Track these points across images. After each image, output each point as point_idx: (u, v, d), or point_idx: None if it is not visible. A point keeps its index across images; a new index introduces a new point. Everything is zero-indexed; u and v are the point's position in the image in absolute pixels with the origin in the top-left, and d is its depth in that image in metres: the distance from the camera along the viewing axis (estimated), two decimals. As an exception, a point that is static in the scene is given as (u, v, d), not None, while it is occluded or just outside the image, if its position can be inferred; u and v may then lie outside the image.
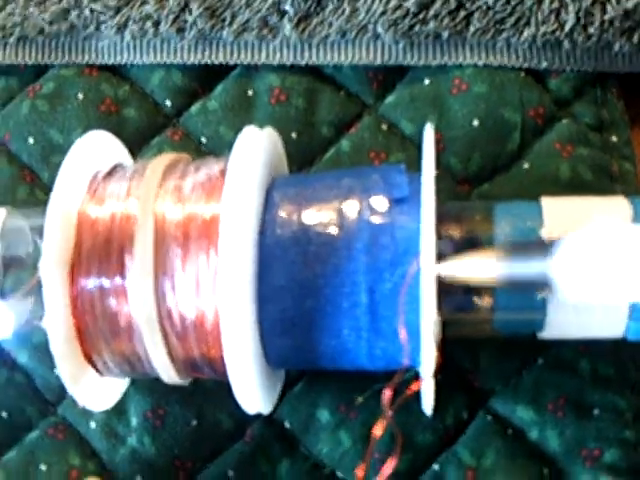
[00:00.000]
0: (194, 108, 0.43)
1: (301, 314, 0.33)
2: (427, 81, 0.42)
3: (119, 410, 0.39)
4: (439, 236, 0.34)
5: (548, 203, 0.34)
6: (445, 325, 0.34)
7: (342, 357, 0.34)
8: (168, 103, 0.43)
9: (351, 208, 0.33)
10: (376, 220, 0.33)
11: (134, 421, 0.39)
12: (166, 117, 0.43)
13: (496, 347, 0.38)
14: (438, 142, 0.41)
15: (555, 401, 0.37)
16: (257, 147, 0.34)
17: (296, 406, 0.39)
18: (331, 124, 0.42)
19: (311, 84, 0.42)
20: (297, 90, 0.42)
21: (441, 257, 0.32)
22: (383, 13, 0.41)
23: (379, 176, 0.34)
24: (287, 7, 0.42)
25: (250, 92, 0.42)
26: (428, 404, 0.33)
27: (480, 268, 0.31)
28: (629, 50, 0.41)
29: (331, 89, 0.42)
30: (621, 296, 0.29)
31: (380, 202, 0.33)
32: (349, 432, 0.38)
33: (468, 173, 0.40)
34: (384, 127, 0.42)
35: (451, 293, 0.34)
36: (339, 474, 0.38)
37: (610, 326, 0.34)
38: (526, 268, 0.31)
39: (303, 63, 0.42)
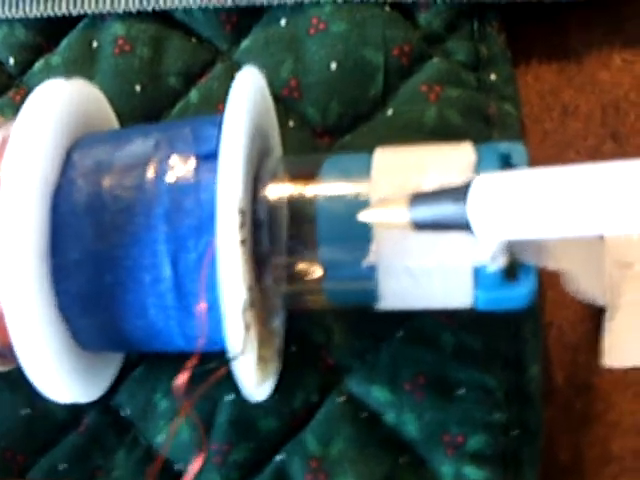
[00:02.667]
0: (37, 65, 0.39)
1: (100, 291, 0.29)
2: (283, 22, 0.37)
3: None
4: (259, 193, 0.29)
5: (381, 155, 0.29)
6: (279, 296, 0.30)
7: (154, 338, 0.30)
8: (11, 61, 0.39)
9: (152, 169, 0.29)
10: (179, 181, 0.28)
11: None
12: (10, 77, 0.39)
13: (353, 318, 0.33)
14: (294, 90, 0.36)
15: (413, 380, 0.32)
16: (50, 102, 0.29)
17: (135, 392, 0.35)
18: (179, 74, 0.37)
19: (159, 32, 0.38)
20: (142, 39, 0.38)
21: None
22: (230, -53, 0.36)
23: (189, 129, 0.30)
24: (128, -52, 0.37)
25: (95, 44, 0.38)
26: (247, 388, 0.29)
27: (392, 215, 0.27)
28: (507, -24, 0.35)
29: (181, 36, 0.38)
30: (536, 234, 0.25)
31: (185, 160, 0.28)
32: (189, 419, 0.34)
33: (327, 123, 0.36)
34: (236, 75, 0.37)
35: (273, 262, 0.29)
36: (176, 465, 0.34)
37: (454, 295, 0.29)
38: (440, 211, 0.26)
39: (150, 9, 0.38)
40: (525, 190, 0.25)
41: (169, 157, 0.28)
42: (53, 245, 0.29)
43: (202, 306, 0.27)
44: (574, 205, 0.24)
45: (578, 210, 0.24)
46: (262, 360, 0.30)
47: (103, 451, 0.35)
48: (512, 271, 0.28)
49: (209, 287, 0.27)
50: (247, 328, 0.27)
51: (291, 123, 0.36)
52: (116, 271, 0.28)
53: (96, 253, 0.28)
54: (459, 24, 0.36)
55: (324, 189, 0.29)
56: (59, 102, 0.30)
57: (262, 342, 0.30)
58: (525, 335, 0.33)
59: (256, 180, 0.30)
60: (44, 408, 0.35)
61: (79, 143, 0.30)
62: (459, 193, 0.25)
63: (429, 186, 0.27)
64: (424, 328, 0.33)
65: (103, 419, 0.35)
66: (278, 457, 0.33)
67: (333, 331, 0.34)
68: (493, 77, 0.35)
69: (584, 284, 0.31)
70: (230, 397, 0.33)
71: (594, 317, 0.34)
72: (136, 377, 0.35)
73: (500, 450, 0.32)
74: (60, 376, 0.30)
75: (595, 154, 0.36)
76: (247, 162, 0.28)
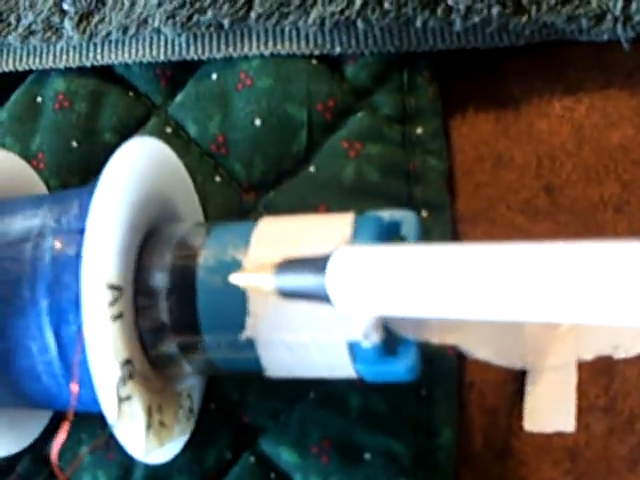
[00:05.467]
0: (-15, 120, 0.40)
1: None
2: (214, 76, 0.37)
3: None
4: (145, 264, 0.29)
5: (262, 226, 0.29)
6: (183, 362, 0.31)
7: (53, 401, 0.31)
8: (-36, 115, 0.41)
9: (38, 242, 0.29)
10: (60, 255, 0.29)
11: None
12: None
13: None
14: (221, 145, 0.36)
15: (319, 443, 0.32)
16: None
17: (63, 443, 0.35)
18: (115, 129, 0.38)
19: (98, 87, 0.38)
20: (81, 94, 0.38)
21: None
22: (159, 5, 0.37)
23: (77, 203, 0.30)
24: (67, 7, 0.38)
25: (39, 99, 0.39)
26: (135, 455, 0.29)
27: (260, 280, 0.27)
28: (436, 25, 0.34)
29: (119, 91, 0.38)
30: (396, 311, 0.25)
31: (67, 234, 0.29)
32: (106, 474, 0.34)
33: (252, 180, 0.36)
34: (169, 130, 0.37)
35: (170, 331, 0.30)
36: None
37: (336, 367, 0.28)
38: (301, 281, 0.26)
39: (88, 64, 0.38)
40: (382, 266, 0.24)
41: (54, 231, 0.29)
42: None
43: (74, 387, 0.27)
44: (435, 285, 0.23)
45: (438, 290, 0.23)
46: (160, 425, 0.30)
47: (33, 501, 0.35)
48: (391, 345, 0.27)
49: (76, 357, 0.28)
50: (128, 400, 0.28)
51: (218, 179, 0.36)
52: (7, 339, 0.29)
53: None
54: (388, 76, 0.35)
55: (205, 259, 0.29)
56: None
57: (159, 408, 0.30)
58: (438, 398, 0.32)
59: (148, 248, 0.30)
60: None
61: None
62: (320, 264, 0.25)
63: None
64: (334, 390, 0.32)
65: (35, 468, 0.36)
66: (189, 518, 0.33)
67: (248, 390, 0.34)
68: (419, 130, 0.35)
69: (486, 352, 0.30)
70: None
71: (516, 379, 0.33)
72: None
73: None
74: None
75: (527, 208, 0.35)
76: (123, 234, 0.28)
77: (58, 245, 0.29)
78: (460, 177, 0.36)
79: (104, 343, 0.27)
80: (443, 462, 0.32)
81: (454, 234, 0.34)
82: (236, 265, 0.28)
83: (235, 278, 0.27)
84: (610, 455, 0.32)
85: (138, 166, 0.29)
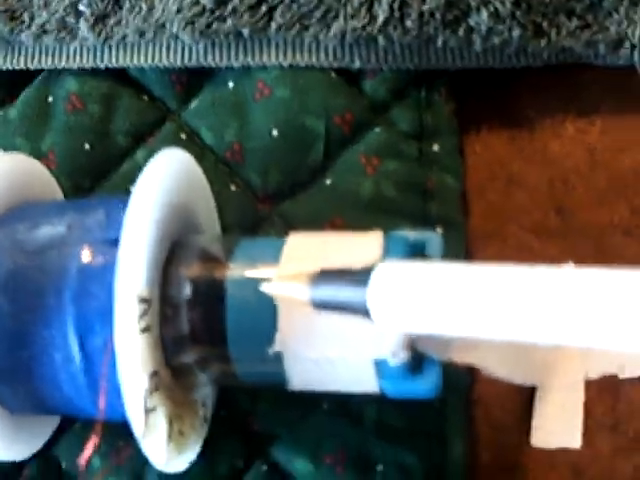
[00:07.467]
0: (-5, 117, 0.40)
1: (18, 365, 0.30)
2: (231, 84, 0.37)
3: None
4: (170, 276, 0.30)
5: (292, 241, 0.29)
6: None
7: (74, 409, 0.31)
8: (-27, 113, 0.40)
9: (64, 251, 0.29)
10: (87, 265, 0.29)
11: None
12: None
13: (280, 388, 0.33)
14: (237, 153, 0.36)
15: (334, 453, 0.32)
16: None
17: (72, 447, 0.36)
18: (128, 133, 0.38)
19: (111, 89, 0.38)
20: (94, 96, 0.38)
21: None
22: (178, 11, 0.36)
23: (103, 212, 0.30)
24: (82, 7, 0.38)
25: (50, 99, 0.39)
26: (157, 465, 0.30)
27: (294, 290, 0.27)
28: (456, 44, 0.35)
29: (132, 94, 0.38)
30: (438, 330, 0.25)
31: (94, 244, 0.29)
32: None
33: (268, 189, 0.36)
34: (183, 136, 0.37)
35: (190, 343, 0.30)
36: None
37: (361, 383, 0.29)
38: (339, 294, 0.26)
39: (102, 66, 0.38)
40: (426, 284, 0.25)
41: (80, 240, 0.29)
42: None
43: (101, 399, 0.28)
44: (478, 305, 0.24)
45: (482, 311, 0.24)
46: (179, 434, 0.30)
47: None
48: (416, 363, 0.28)
49: (115, 369, 0.28)
50: (153, 411, 0.28)
51: (233, 187, 0.36)
52: (31, 348, 0.29)
53: (12, 330, 0.29)
54: (406, 92, 0.36)
55: (234, 273, 0.29)
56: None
57: (179, 417, 0.30)
58: (449, 412, 0.33)
59: (173, 260, 0.30)
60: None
61: (4, 218, 0.31)
62: (360, 277, 0.25)
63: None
64: (347, 401, 0.33)
65: (44, 471, 0.36)
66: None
67: (260, 398, 0.34)
68: (436, 148, 0.35)
69: (503, 371, 0.31)
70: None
71: (525, 394, 0.33)
72: (75, 431, 0.36)
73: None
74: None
75: (538, 228, 0.35)
76: (153, 247, 0.28)
77: (85, 255, 0.29)
78: (473, 195, 0.36)
79: (134, 356, 0.27)
80: (454, 474, 0.32)
81: (466, 252, 0.35)
82: (266, 280, 0.28)
83: (268, 287, 0.27)
84: (614, 472, 0.33)
85: (168, 179, 0.29)
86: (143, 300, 0.27)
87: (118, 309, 0.26)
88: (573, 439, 0.33)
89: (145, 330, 0.27)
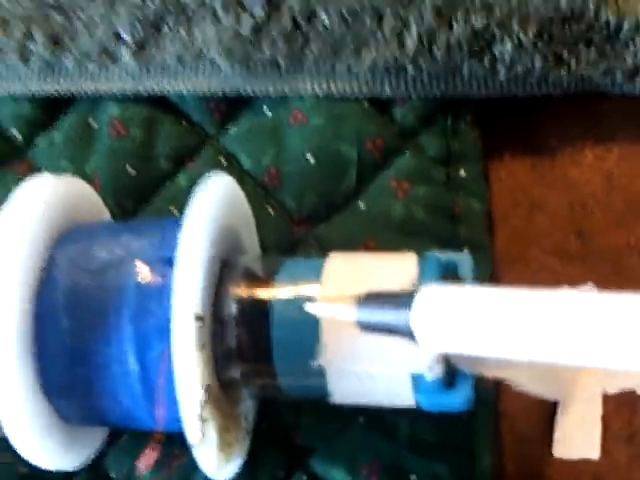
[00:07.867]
0: (41, 140, 0.42)
1: (77, 379, 0.32)
2: (268, 112, 0.39)
3: None
4: (220, 295, 0.31)
5: (332, 261, 0.31)
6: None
7: (131, 421, 0.33)
8: (17, 135, 0.42)
9: (121, 271, 0.31)
10: (145, 284, 0.31)
11: None
12: (16, 149, 0.42)
13: (320, 402, 0.35)
14: (274, 178, 0.38)
15: (370, 465, 0.34)
16: (31, 202, 0.32)
17: (120, 458, 0.37)
18: (169, 157, 0.40)
19: (152, 114, 0.40)
20: (136, 121, 0.40)
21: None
22: (218, 39, 0.38)
23: (160, 232, 0.32)
24: (125, 36, 0.40)
25: (94, 123, 0.41)
26: (209, 473, 0.31)
27: (340, 312, 0.29)
28: (481, 73, 0.37)
29: (172, 119, 0.40)
30: (478, 351, 0.27)
31: (152, 264, 0.31)
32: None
33: (303, 213, 0.38)
34: (223, 161, 0.39)
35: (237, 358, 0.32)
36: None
37: (398, 397, 0.31)
38: (384, 316, 0.28)
39: (143, 91, 0.40)
40: (467, 307, 0.27)
41: (138, 260, 0.31)
42: (37, 336, 0.31)
43: (159, 411, 0.29)
44: (518, 328, 0.26)
45: (522, 334, 0.26)
46: (227, 445, 0.32)
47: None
48: (450, 378, 0.30)
49: (171, 382, 0.30)
50: (205, 422, 0.30)
51: (270, 210, 0.38)
52: (90, 364, 0.31)
53: (72, 347, 0.31)
54: (433, 119, 0.38)
55: (279, 292, 0.31)
56: (41, 201, 0.32)
57: (226, 429, 0.32)
58: (478, 425, 0.35)
59: (222, 279, 0.32)
60: (40, 469, 0.37)
61: (62, 240, 0.33)
62: (403, 300, 0.27)
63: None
64: (382, 415, 0.35)
65: (93, 480, 0.37)
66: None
67: (302, 412, 0.36)
68: (462, 173, 0.37)
69: (532, 386, 0.33)
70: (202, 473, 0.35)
71: (547, 407, 0.35)
72: (123, 443, 0.37)
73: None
74: (43, 447, 0.32)
75: (559, 251, 0.37)
76: (206, 267, 0.30)
77: (143, 274, 0.30)
78: (496, 220, 0.38)
79: (191, 372, 0.29)
80: (484, 484, 0.34)
81: (491, 274, 0.37)
82: (310, 298, 0.30)
83: (314, 308, 0.29)
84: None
85: (219, 202, 0.31)
86: (199, 318, 0.29)
87: (177, 327, 0.28)
88: (592, 450, 0.35)
89: (201, 346, 0.29)
